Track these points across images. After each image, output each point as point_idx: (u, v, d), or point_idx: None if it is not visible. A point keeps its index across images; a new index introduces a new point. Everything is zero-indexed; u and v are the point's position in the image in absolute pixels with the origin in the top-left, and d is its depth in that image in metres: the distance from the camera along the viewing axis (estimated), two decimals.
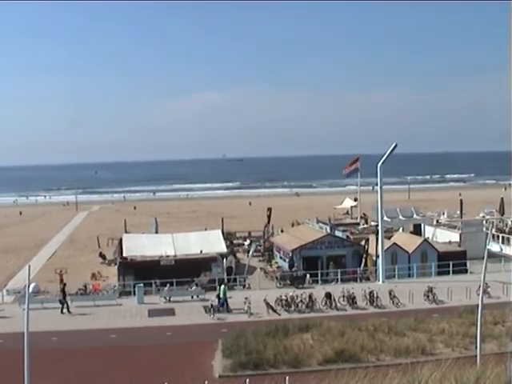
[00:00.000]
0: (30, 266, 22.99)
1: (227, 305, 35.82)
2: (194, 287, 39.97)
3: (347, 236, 52.83)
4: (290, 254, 46.97)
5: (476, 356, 21.76)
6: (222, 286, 36.85)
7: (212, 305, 34.68)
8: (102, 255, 57.68)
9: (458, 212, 66.27)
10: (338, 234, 53.94)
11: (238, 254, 55.09)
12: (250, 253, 49.73)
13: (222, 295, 36.15)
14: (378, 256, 43.85)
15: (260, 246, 57.87)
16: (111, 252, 57.47)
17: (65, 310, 36.18)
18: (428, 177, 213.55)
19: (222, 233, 54.09)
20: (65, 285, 38.42)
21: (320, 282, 42.75)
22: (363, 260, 45.69)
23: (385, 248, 43.77)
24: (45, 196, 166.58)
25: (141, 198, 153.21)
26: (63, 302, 36.36)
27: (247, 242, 60.21)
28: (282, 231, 61.09)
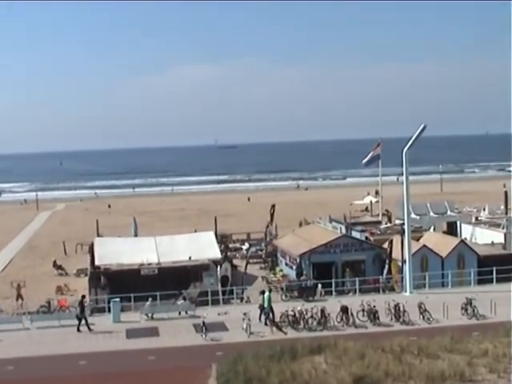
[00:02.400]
0: None
1: (269, 315, 35.79)
2: (181, 301, 39.89)
3: (367, 237, 52.73)
4: (298, 260, 46.89)
5: None
6: (266, 294, 36.92)
7: (204, 322, 34.61)
8: (56, 265, 57.47)
9: (503, 207, 66.05)
10: (356, 234, 53.84)
11: (235, 261, 54.96)
12: (247, 257, 49.63)
13: (266, 304, 36.30)
14: (404, 261, 43.77)
15: (261, 250, 57.79)
16: (81, 260, 57.38)
17: (82, 328, 36.24)
18: (465, 164, 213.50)
19: (216, 235, 53.99)
20: (83, 296, 38.38)
21: (334, 293, 42.70)
22: (386, 266, 45.62)
23: (413, 251, 43.68)
24: None
25: (116, 193, 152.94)
26: (81, 317, 36.53)
27: (246, 246, 60.10)
28: (300, 225, 61.00)
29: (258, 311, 36.67)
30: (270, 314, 36.03)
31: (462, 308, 36.69)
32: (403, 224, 45.42)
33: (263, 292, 37.61)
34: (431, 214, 61.95)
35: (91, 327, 36.42)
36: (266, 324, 35.76)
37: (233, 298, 42.67)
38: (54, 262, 58.28)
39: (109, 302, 39.35)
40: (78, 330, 36.29)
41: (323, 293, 42.41)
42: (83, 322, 36.52)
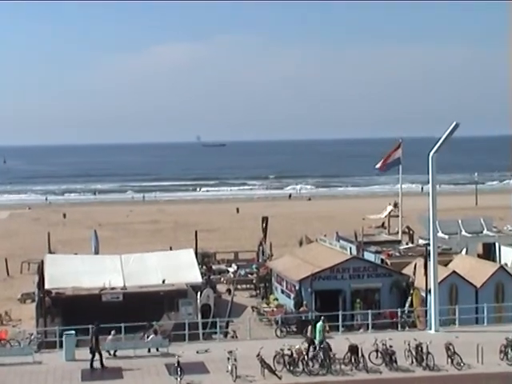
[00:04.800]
0: None
1: (326, 349, 35.91)
2: (151, 336, 39.74)
3: (383, 260, 52.73)
4: (297, 287, 46.85)
5: None
6: (320, 323, 37.17)
7: (179, 362, 34.45)
8: None
9: None
10: (369, 256, 53.81)
11: (219, 286, 54.98)
12: (234, 282, 49.63)
13: (318, 337, 36.50)
14: (428, 291, 43.78)
15: (252, 273, 57.75)
16: (27, 282, 57.13)
17: (95, 364, 36.27)
18: (506, 173, 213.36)
19: (196, 254, 53.99)
20: (98, 325, 37.62)
21: (341, 328, 42.65)
22: (409, 298, 45.65)
23: (439, 279, 43.66)
24: None
25: (73, 200, 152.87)
26: (95, 350, 36.47)
27: (232, 269, 60.04)
28: (300, 244, 60.64)
29: (306, 346, 36.49)
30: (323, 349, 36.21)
31: (501, 351, 36.50)
32: (428, 245, 45.39)
33: (316, 321, 37.92)
34: (463, 233, 61.95)
35: (44, 364, 36.27)
36: (322, 361, 35.56)
37: (215, 333, 42.57)
38: None
39: (61, 336, 39.08)
40: (92, 366, 36.27)
41: (328, 328, 42.34)
42: (101, 356, 36.56)
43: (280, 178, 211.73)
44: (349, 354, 35.74)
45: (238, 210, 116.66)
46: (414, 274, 45.89)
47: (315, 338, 36.97)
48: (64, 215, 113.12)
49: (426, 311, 44.12)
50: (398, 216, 72.24)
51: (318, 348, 36.28)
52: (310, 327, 37.83)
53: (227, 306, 47.30)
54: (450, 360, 35.81)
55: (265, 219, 63.09)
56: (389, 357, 35.76)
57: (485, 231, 63.06)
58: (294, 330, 42.61)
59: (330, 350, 36.09)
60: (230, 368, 34.67)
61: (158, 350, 38.88)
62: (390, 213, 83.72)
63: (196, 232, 63.17)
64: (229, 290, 53.84)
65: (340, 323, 42.73)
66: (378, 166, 68.88)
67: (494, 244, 59.80)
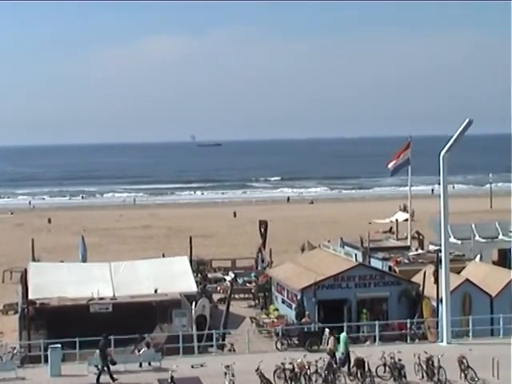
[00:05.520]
0: None
1: (349, 363, 36.21)
2: (143, 349, 39.70)
3: (390, 267, 52.70)
4: (299, 297, 46.84)
5: None
6: (343, 335, 37.21)
7: (173, 377, 34.37)
8: None
9: None
10: (376, 263, 53.78)
11: (216, 296, 54.91)
12: (230, 291, 49.64)
13: (342, 349, 36.62)
14: (440, 301, 43.74)
15: (250, 282, 57.70)
16: (10, 292, 57.07)
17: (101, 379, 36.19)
18: None
19: (191, 261, 53.97)
20: (106, 337, 37.58)
21: None
22: (418, 307, 45.59)
23: (452, 288, 43.64)
24: None
25: (59, 204, 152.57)
26: (103, 364, 36.48)
27: (230, 277, 59.98)
28: (302, 250, 60.58)
29: (326, 359, 36.41)
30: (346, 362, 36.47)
31: None
32: (439, 251, 45.35)
33: (338, 333, 37.97)
34: (477, 238, 61.89)
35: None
36: (326, 375, 35.48)
37: (212, 346, 42.52)
38: None
39: (46, 349, 39.03)
40: (112, 378, 36.27)
41: (332, 340, 42.24)
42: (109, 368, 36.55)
43: (280, 180, 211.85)
44: (355, 368, 35.71)
45: (235, 214, 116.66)
46: (424, 282, 45.86)
47: (337, 350, 37.02)
48: (49, 220, 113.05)
49: (438, 322, 44.12)
50: (406, 220, 72.25)
51: (340, 360, 36.57)
52: (332, 338, 37.83)
53: (224, 317, 47.21)
54: (463, 375, 35.66)
55: (263, 223, 62.87)
56: (397, 371, 35.64)
57: (500, 236, 63.00)
58: (296, 342, 42.47)
59: (350, 363, 36.27)
60: (227, 383, 34.61)
61: (150, 364, 38.84)
62: (396, 220, 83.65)
63: (190, 238, 63.12)
64: (223, 299, 53.52)
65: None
66: (389, 165, 68.11)
67: (510, 250, 59.72)
